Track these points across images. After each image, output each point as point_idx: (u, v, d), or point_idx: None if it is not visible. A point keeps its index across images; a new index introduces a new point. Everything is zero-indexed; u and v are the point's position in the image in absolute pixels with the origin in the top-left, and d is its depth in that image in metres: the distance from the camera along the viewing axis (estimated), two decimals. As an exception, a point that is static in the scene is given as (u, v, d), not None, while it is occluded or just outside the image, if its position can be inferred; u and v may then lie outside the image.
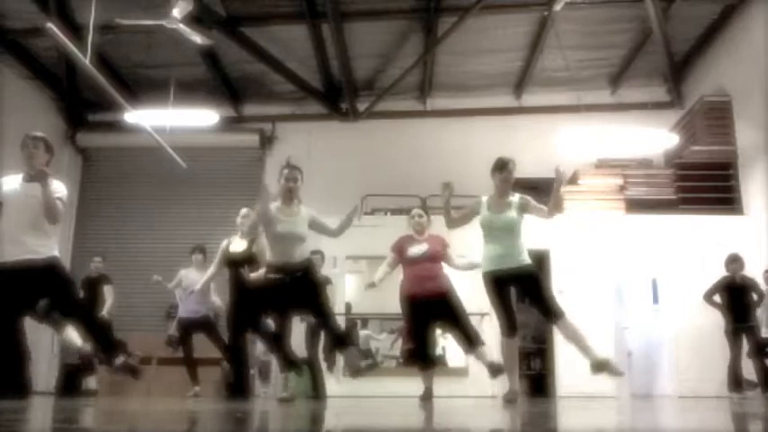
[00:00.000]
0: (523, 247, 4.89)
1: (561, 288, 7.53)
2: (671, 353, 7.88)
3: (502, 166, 4.97)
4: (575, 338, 4.74)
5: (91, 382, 8.41)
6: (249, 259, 6.03)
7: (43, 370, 9.22)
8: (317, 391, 6.96)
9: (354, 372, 4.84)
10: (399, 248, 5.58)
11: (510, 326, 4.84)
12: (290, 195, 5.02)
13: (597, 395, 7.10)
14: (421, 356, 5.52)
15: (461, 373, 8.00)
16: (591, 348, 4.72)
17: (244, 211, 6.22)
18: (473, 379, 7.87)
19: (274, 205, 5.04)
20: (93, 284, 7.87)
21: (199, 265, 7.36)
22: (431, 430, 2.54)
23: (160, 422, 2.94)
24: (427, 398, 5.43)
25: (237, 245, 6.19)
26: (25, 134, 4.66)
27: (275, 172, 10.35)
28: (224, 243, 6.28)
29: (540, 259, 7.87)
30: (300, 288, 4.87)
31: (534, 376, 8.49)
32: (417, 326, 5.48)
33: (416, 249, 5.49)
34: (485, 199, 5.03)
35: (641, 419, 3.24)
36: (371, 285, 5.48)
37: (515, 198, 5.00)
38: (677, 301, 7.90)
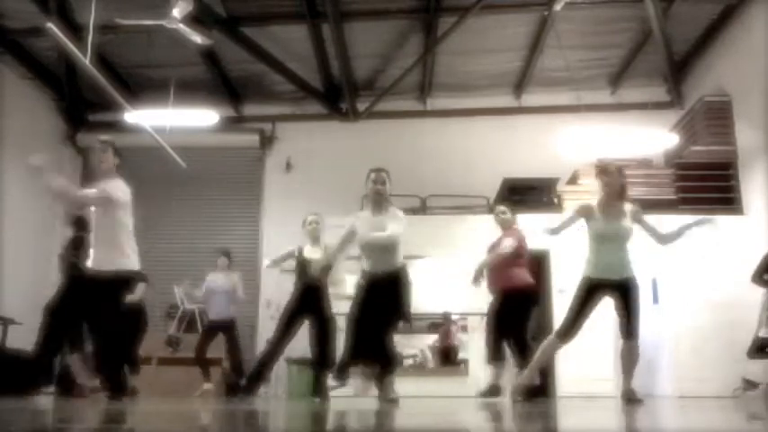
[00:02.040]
0: (630, 257, 4.88)
1: (561, 288, 7.51)
2: (671, 353, 7.86)
3: (601, 171, 4.94)
4: (627, 360, 4.80)
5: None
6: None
7: (43, 370, 9.19)
8: (319, 392, 6.96)
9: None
10: (492, 247, 5.88)
11: (570, 332, 4.81)
12: (379, 199, 4.88)
13: (597, 395, 7.11)
14: (496, 348, 5.73)
15: (461, 372, 7.99)
16: (630, 377, 4.80)
17: (312, 217, 6.09)
18: (473, 379, 7.87)
19: (365, 213, 4.94)
20: None
21: (223, 268, 7.35)
22: (432, 430, 2.55)
23: (160, 422, 2.94)
24: (494, 393, 5.60)
25: (312, 252, 6.01)
26: (97, 139, 4.73)
27: (275, 172, 10.60)
28: (294, 248, 6.10)
29: (540, 259, 7.88)
30: (385, 295, 4.82)
31: (534, 376, 8.47)
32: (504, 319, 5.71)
33: (505, 245, 5.73)
34: (595, 203, 4.88)
35: (641, 419, 3.24)
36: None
37: (628, 206, 4.89)
38: (677, 301, 7.89)
